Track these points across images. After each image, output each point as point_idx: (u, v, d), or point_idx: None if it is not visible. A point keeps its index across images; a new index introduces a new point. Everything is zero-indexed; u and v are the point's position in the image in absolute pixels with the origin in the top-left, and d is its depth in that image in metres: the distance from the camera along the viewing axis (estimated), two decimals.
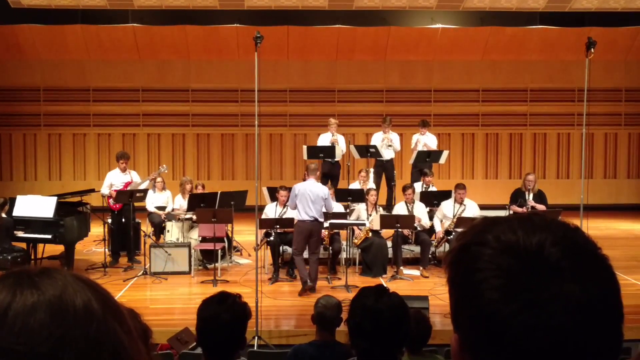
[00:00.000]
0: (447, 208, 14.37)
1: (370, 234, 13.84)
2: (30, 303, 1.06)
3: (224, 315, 4.08)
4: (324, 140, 16.79)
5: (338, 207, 14.15)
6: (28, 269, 1.13)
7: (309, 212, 12.28)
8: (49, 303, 1.06)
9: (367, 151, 16.25)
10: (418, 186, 15.52)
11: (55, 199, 13.34)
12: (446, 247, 14.19)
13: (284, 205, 13.75)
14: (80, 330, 1.06)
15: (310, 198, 12.27)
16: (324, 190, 12.52)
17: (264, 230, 13.57)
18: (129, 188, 14.46)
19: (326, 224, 13.00)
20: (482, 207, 14.84)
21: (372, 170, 16.50)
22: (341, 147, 16.52)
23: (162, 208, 15.44)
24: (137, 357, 1.14)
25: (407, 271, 13.77)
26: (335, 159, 16.52)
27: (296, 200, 12.43)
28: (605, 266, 1.25)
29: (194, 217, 14.25)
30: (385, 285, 5.97)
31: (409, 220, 13.62)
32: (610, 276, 1.24)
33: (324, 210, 12.53)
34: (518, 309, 1.18)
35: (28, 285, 1.08)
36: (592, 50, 12.11)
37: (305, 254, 12.79)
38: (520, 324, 1.17)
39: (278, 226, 13.10)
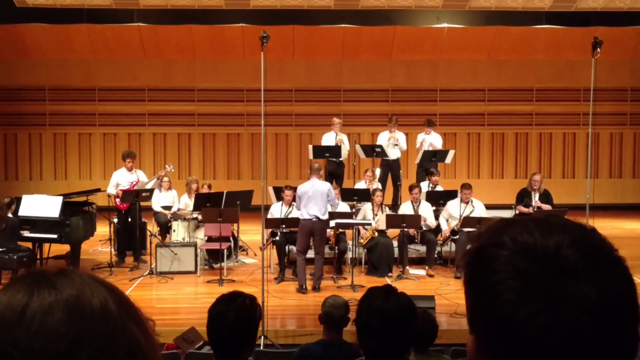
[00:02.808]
0: (453, 208, 14.36)
1: (376, 234, 13.83)
2: (47, 302, 1.06)
3: (230, 315, 4.08)
4: (327, 139, 16.81)
5: (344, 207, 14.17)
6: (45, 269, 1.14)
7: (309, 211, 12.30)
8: (66, 302, 1.07)
9: (373, 151, 16.24)
10: (424, 186, 15.51)
11: (61, 198, 13.36)
12: (452, 246, 14.19)
13: (290, 205, 13.77)
14: (97, 329, 1.07)
15: (310, 195, 12.29)
16: (324, 186, 12.52)
17: (270, 230, 13.57)
18: (135, 188, 14.49)
19: (332, 224, 13.00)
20: (488, 207, 14.84)
21: (378, 169, 16.50)
22: (346, 147, 16.55)
23: (168, 208, 15.44)
24: (152, 356, 1.15)
25: (413, 271, 13.78)
26: (340, 159, 16.53)
27: (299, 201, 12.50)
28: (621, 268, 1.25)
29: (200, 216, 14.27)
30: (391, 284, 5.97)
31: (415, 220, 13.62)
32: (627, 278, 1.25)
33: (328, 208, 12.53)
34: (534, 311, 1.18)
35: (45, 285, 1.09)
36: (599, 50, 12.09)
37: (311, 254, 12.82)
38: (536, 325, 1.18)
39: (284, 226, 13.13)
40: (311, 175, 12.71)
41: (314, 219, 12.30)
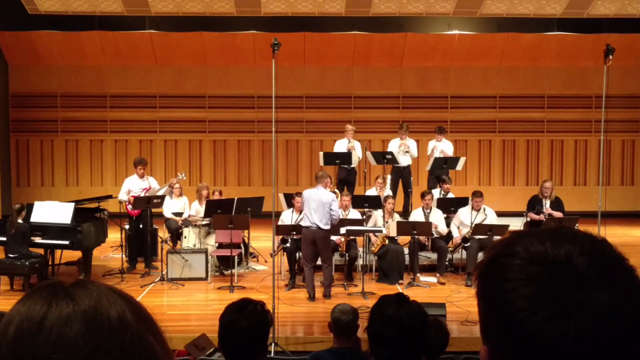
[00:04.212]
0: (464, 215, 14.34)
1: (386, 241, 13.82)
2: (65, 313, 1.07)
3: (242, 322, 4.10)
4: (340, 146, 16.79)
5: (355, 214, 14.16)
6: (63, 280, 1.15)
7: (310, 218, 12.22)
8: (84, 313, 1.08)
9: (383, 158, 16.21)
10: (435, 193, 15.48)
11: (72, 205, 13.39)
12: (463, 254, 14.16)
13: (300, 212, 13.77)
14: (114, 340, 1.08)
15: (312, 204, 12.21)
16: (328, 196, 12.32)
17: (281, 237, 13.59)
18: (147, 194, 14.51)
19: (343, 231, 12.97)
20: (499, 214, 14.79)
21: (389, 177, 16.49)
22: (357, 154, 16.52)
23: (179, 214, 15.47)
24: None
25: (423, 278, 13.75)
26: (352, 166, 16.52)
27: (302, 204, 12.49)
28: (632, 276, 1.26)
29: (211, 223, 14.28)
30: (403, 292, 5.97)
31: (425, 227, 13.60)
32: (638, 286, 1.25)
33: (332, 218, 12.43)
34: (546, 317, 1.19)
35: (63, 296, 1.10)
36: (611, 57, 12.06)
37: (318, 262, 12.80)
38: (548, 331, 1.19)
39: (294, 232, 13.11)
40: (317, 183, 12.63)
41: (314, 227, 12.19)
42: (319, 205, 12.18)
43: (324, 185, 12.46)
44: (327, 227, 12.28)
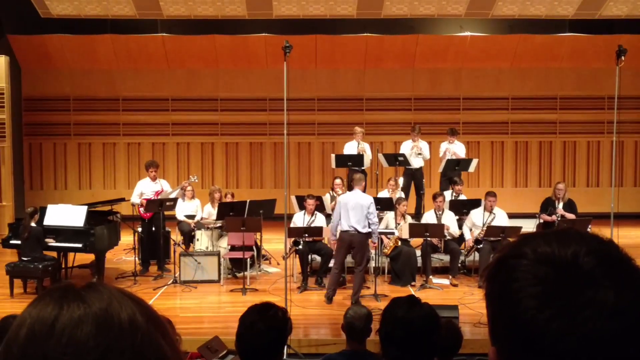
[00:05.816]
0: (477, 217, 14.30)
1: (399, 243, 13.80)
2: (77, 316, 1.08)
3: (260, 325, 4.11)
4: (349, 148, 16.76)
5: None
6: (74, 283, 1.16)
7: (348, 221, 12.00)
8: (95, 316, 1.09)
9: (395, 159, 16.19)
10: (447, 195, 15.46)
11: (85, 208, 13.44)
12: (476, 256, 14.13)
13: (312, 214, 13.78)
14: (125, 342, 1.08)
15: (350, 207, 11.99)
16: (366, 200, 12.12)
17: (293, 239, 13.58)
18: (159, 197, 14.54)
19: None
20: (512, 216, 14.76)
21: (401, 178, 16.47)
22: (369, 155, 16.50)
23: (192, 217, 15.49)
24: None
25: (436, 280, 13.74)
26: (362, 167, 16.48)
27: (339, 210, 12.23)
28: (639, 275, 1.26)
29: (223, 225, 14.30)
30: (415, 294, 5.96)
31: (438, 229, 13.57)
32: None
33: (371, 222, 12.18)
34: (553, 316, 1.21)
35: (75, 298, 1.11)
36: (623, 58, 12.03)
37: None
38: (555, 330, 1.20)
39: (306, 235, 13.11)
40: (354, 186, 12.49)
41: (352, 231, 12.01)
42: (357, 207, 11.98)
43: (361, 188, 12.33)
44: (365, 230, 12.08)
